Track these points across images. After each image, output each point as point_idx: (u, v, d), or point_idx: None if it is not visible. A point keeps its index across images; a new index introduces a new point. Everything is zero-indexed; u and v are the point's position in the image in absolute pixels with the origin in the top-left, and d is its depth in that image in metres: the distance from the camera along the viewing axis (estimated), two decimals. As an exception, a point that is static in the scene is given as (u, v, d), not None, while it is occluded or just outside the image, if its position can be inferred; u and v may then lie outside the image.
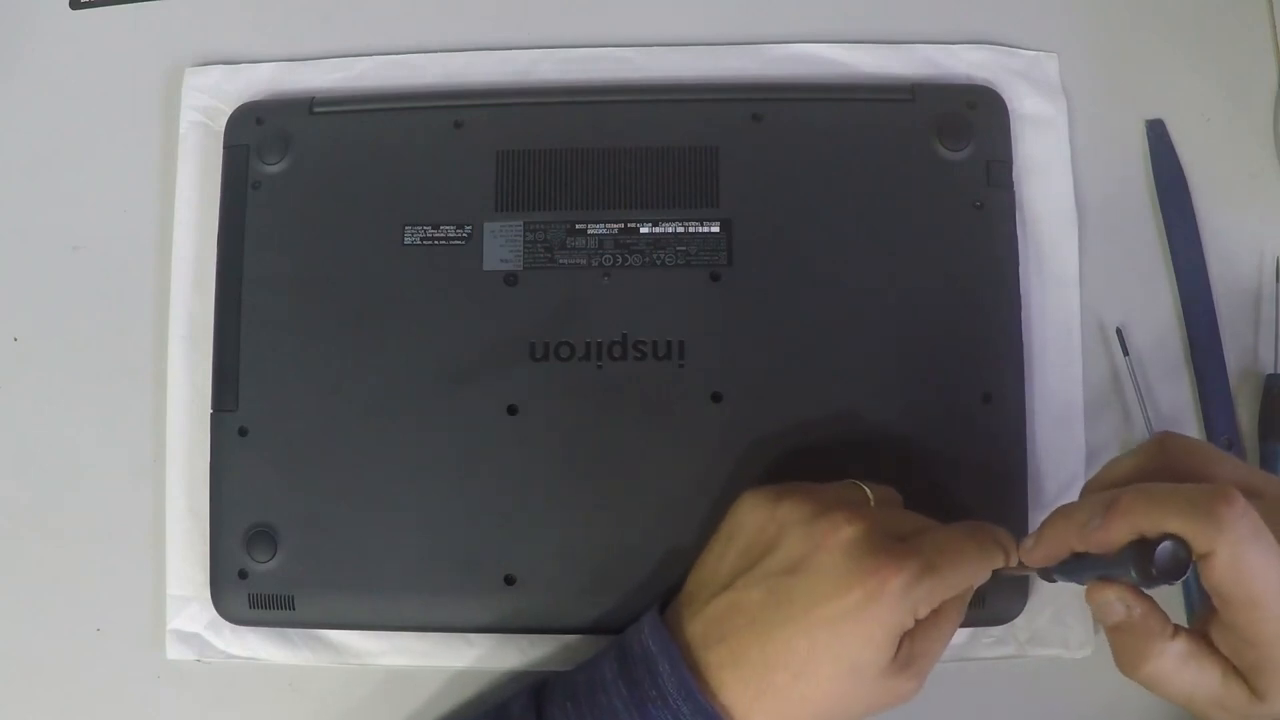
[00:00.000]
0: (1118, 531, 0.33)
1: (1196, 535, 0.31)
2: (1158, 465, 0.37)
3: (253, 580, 0.45)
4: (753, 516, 0.39)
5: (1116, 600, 0.35)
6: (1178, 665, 0.34)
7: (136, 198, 0.50)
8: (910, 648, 0.37)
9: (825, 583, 0.36)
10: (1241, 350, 0.47)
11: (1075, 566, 0.36)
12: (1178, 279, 0.48)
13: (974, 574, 0.37)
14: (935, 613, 0.37)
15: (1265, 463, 0.46)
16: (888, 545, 0.36)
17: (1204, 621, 0.35)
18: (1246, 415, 0.47)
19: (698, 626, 0.38)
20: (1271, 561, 0.31)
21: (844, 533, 0.37)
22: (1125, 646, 0.35)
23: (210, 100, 0.50)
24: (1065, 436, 0.46)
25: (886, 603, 0.35)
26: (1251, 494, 0.33)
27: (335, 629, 0.46)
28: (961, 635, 0.45)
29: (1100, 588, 0.35)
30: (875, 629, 0.36)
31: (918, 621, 0.37)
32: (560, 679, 0.40)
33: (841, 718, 0.38)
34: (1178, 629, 0.35)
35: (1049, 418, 0.46)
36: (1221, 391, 0.46)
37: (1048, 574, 0.37)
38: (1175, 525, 0.32)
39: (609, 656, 0.39)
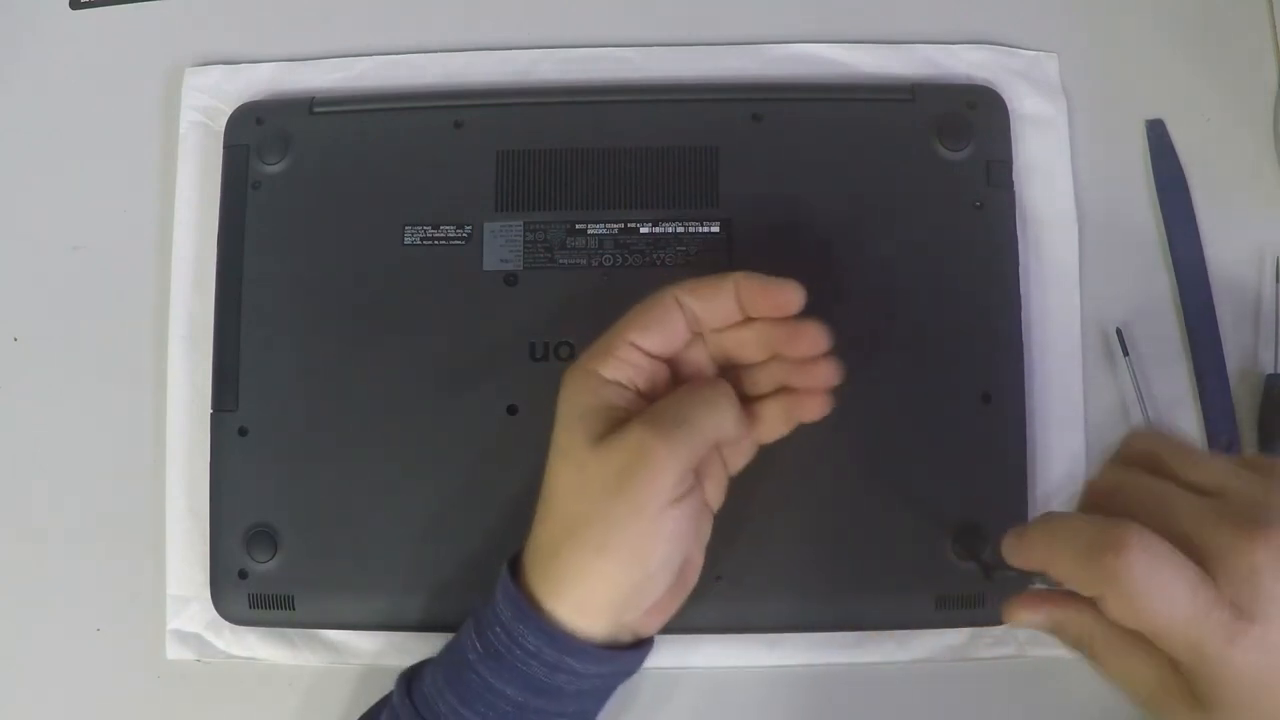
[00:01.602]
0: (1022, 563, 0.34)
1: (1083, 582, 0.32)
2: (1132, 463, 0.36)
3: (253, 580, 0.45)
4: None
5: (1033, 619, 0.35)
6: (1112, 657, 0.33)
7: (136, 198, 0.50)
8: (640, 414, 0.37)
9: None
10: (1241, 350, 0.47)
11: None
12: (1178, 279, 0.48)
13: (639, 312, 0.38)
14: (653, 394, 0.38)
15: (1265, 463, 0.46)
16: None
17: None
18: (1246, 415, 0.47)
19: None
20: (1171, 595, 0.30)
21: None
22: (1063, 636, 0.35)
23: (210, 100, 0.50)
24: (1065, 436, 0.46)
25: (564, 380, 0.38)
26: (1212, 493, 0.32)
27: (335, 629, 0.46)
28: (961, 635, 0.45)
29: (1013, 611, 0.35)
30: (563, 406, 0.38)
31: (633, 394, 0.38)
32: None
33: (586, 513, 0.36)
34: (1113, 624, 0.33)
35: (1049, 418, 0.46)
36: (1221, 391, 0.46)
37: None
38: (1065, 570, 0.32)
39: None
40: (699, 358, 0.40)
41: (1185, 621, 0.30)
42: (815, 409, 0.39)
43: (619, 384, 0.37)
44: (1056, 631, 0.35)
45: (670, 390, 0.39)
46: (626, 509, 0.35)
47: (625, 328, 0.38)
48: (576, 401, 0.38)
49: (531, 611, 0.36)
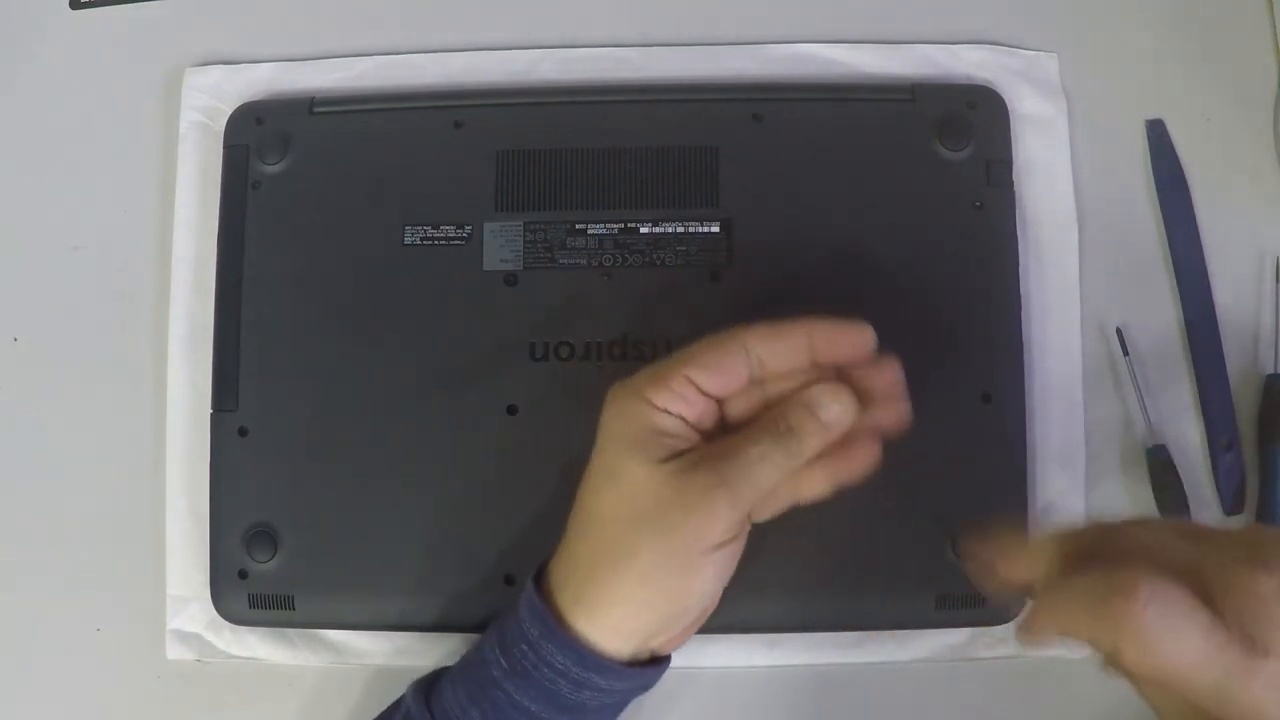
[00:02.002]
0: (1040, 635, 0.33)
1: (1097, 634, 0.31)
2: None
3: (253, 580, 0.45)
4: None
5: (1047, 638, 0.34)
6: (1144, 680, 0.33)
7: (136, 198, 0.50)
8: (704, 450, 0.37)
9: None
10: (1241, 350, 0.47)
11: None
12: (1178, 279, 0.48)
13: (701, 350, 0.37)
14: (744, 428, 0.37)
15: (1265, 464, 0.46)
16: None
17: None
18: (1246, 416, 0.47)
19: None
20: (1185, 641, 0.29)
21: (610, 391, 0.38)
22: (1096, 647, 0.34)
23: (210, 100, 0.50)
24: (1065, 436, 0.46)
25: (610, 401, 0.38)
26: (1203, 541, 0.32)
27: (335, 629, 0.46)
28: (962, 635, 0.45)
29: (1028, 631, 0.34)
30: (611, 427, 0.37)
31: (706, 437, 0.38)
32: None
33: (633, 542, 0.36)
34: None
35: (1049, 418, 0.46)
36: (1221, 391, 0.46)
37: None
38: (1077, 625, 0.31)
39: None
40: (750, 399, 0.39)
41: (1200, 665, 0.29)
42: (869, 457, 0.38)
43: (668, 413, 0.37)
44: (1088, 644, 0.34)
45: (718, 425, 0.38)
46: (677, 547, 0.36)
47: (686, 362, 0.37)
48: (628, 425, 0.37)
49: (561, 631, 0.37)
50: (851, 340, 0.37)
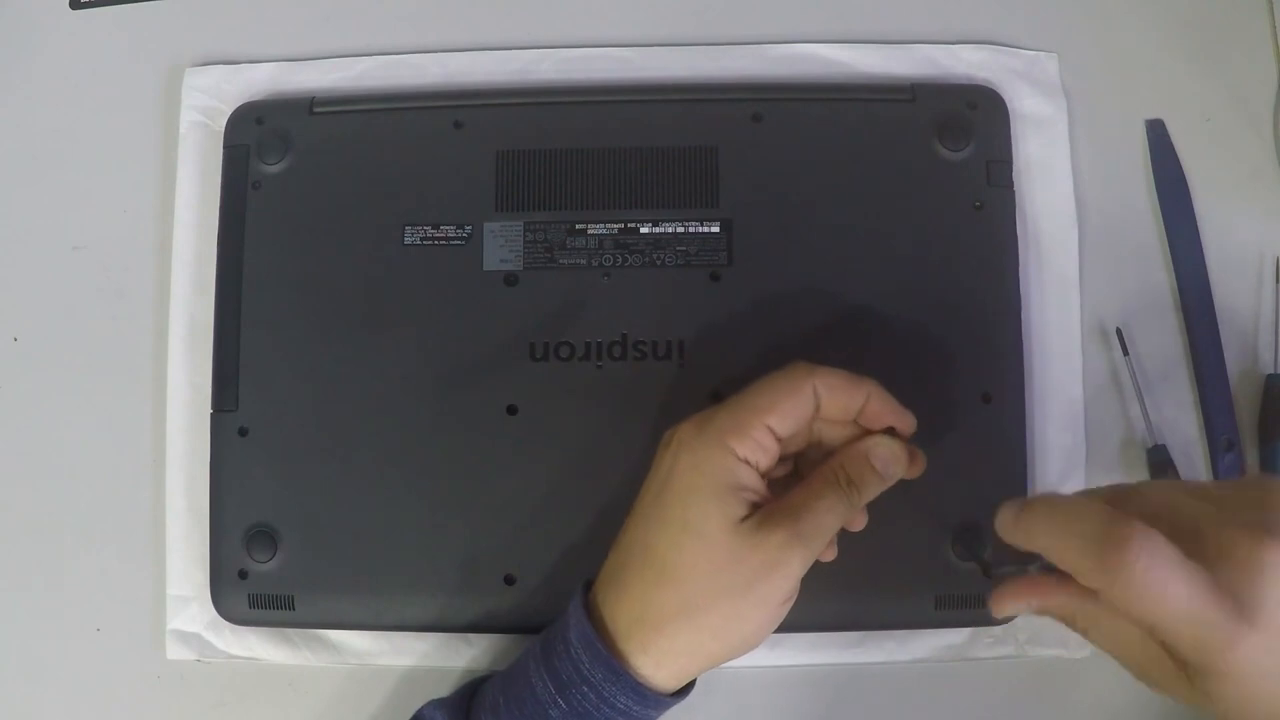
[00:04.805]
0: (1019, 542, 0.34)
1: (1085, 574, 0.31)
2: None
3: (253, 580, 0.45)
4: None
5: (1019, 608, 0.35)
6: (1100, 633, 0.34)
7: (136, 198, 0.50)
8: (774, 506, 0.37)
9: (652, 471, 0.39)
10: (1241, 350, 0.47)
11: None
12: (1178, 279, 0.48)
13: (779, 396, 0.38)
14: (806, 476, 0.38)
15: (1265, 463, 0.46)
16: (698, 416, 0.39)
17: None
18: (1246, 415, 0.47)
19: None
20: (1170, 593, 0.30)
21: (676, 431, 0.39)
22: (1049, 615, 0.35)
23: (210, 100, 0.50)
24: (1065, 436, 0.46)
25: (687, 447, 0.38)
26: (1216, 503, 0.32)
27: (335, 629, 0.46)
28: (961, 635, 0.45)
29: (1000, 603, 0.35)
30: (691, 477, 0.37)
31: (776, 485, 0.38)
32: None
33: (710, 598, 0.37)
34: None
35: (1049, 418, 0.46)
36: (1221, 391, 0.46)
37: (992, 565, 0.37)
38: (1070, 560, 0.32)
39: (540, 636, 0.41)
40: (800, 437, 0.39)
41: (1184, 620, 0.30)
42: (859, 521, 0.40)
43: (748, 464, 0.37)
44: (1043, 612, 0.35)
45: (779, 465, 0.39)
46: (751, 604, 0.37)
47: (763, 410, 0.37)
48: (709, 479, 0.37)
49: (627, 675, 0.37)
50: (898, 421, 0.39)
